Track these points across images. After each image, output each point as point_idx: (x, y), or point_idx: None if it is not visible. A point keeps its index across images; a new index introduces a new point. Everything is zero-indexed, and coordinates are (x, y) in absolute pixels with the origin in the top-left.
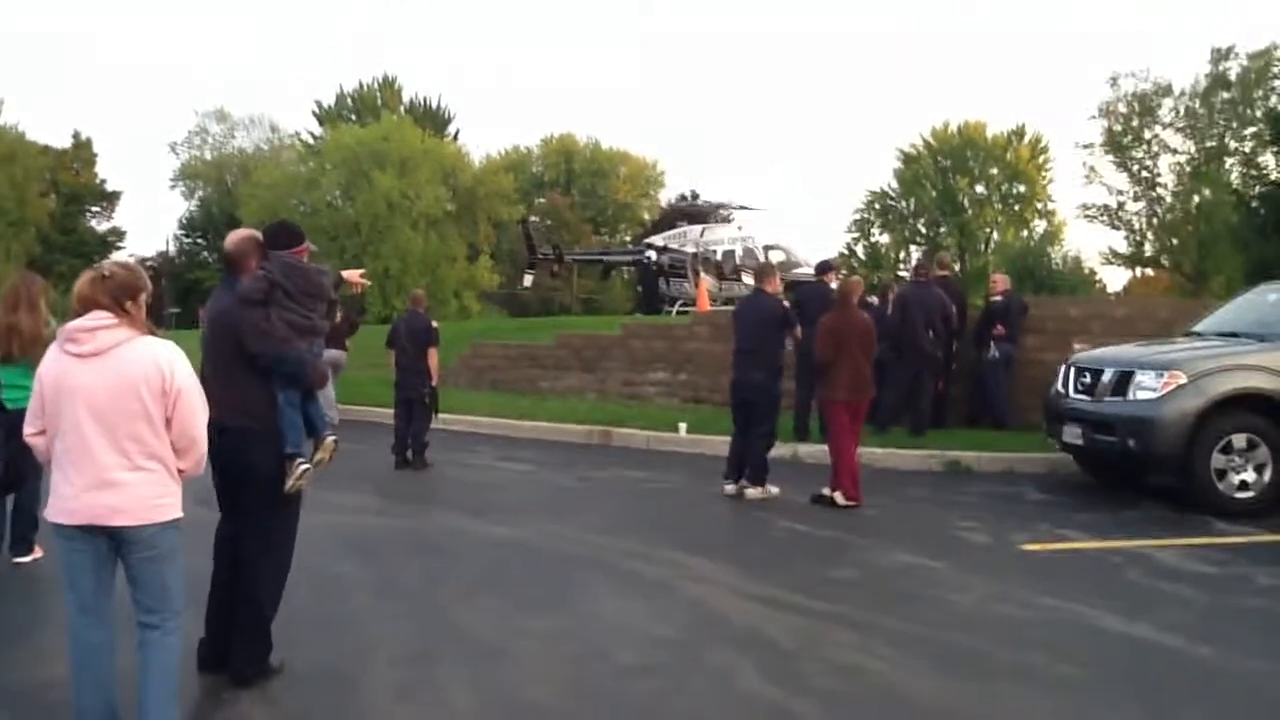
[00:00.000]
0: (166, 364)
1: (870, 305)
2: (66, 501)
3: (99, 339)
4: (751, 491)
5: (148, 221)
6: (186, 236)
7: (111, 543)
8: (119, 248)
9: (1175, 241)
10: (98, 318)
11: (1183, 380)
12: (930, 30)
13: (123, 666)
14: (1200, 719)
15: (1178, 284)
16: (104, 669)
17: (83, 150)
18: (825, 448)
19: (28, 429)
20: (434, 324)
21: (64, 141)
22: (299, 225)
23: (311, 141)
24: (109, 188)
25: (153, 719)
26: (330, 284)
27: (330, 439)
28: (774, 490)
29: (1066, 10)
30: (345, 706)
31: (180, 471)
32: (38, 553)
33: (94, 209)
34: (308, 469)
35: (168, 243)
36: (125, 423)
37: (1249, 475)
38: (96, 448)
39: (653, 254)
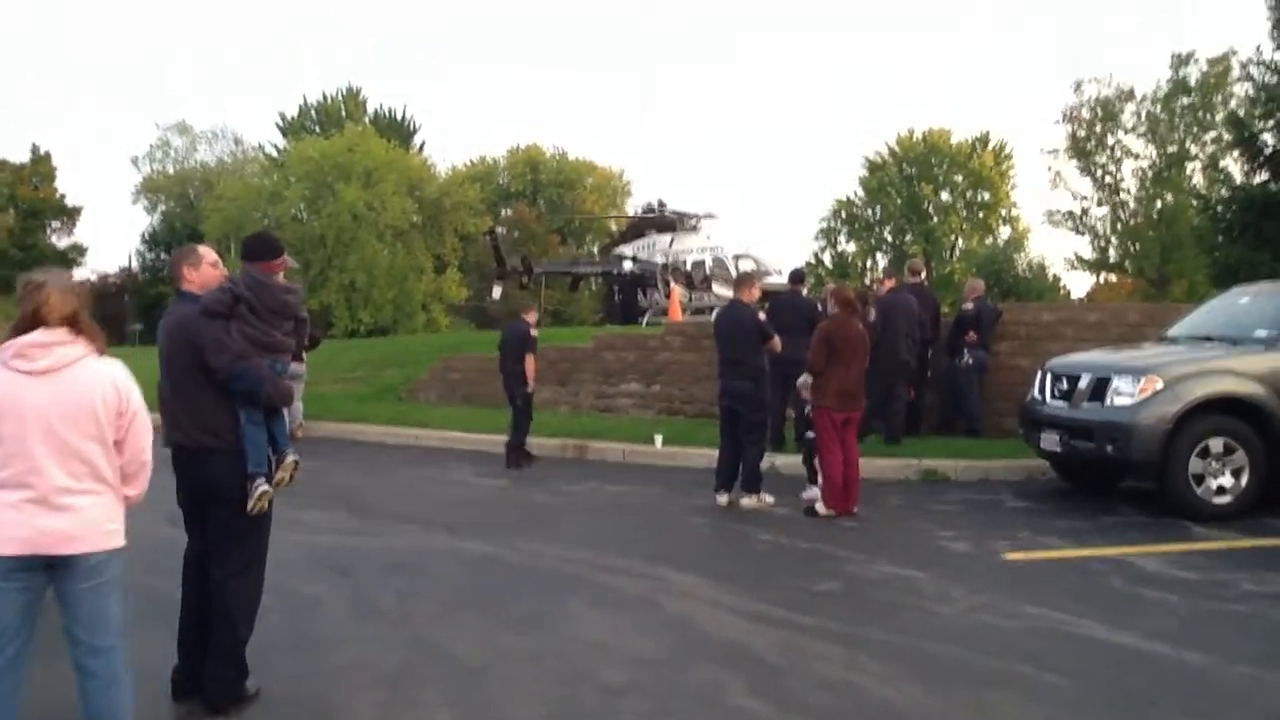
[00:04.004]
0: (123, 386)
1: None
2: (11, 529)
3: (55, 355)
4: (746, 501)
5: (109, 236)
6: (149, 251)
7: (47, 576)
8: (80, 263)
9: (1138, 246)
10: (52, 333)
11: (1159, 385)
12: (895, 38)
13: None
14: None
15: (1141, 288)
16: (7, 713)
17: (41, 165)
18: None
19: None
20: (532, 332)
21: (22, 156)
22: (277, 239)
23: (275, 154)
24: (69, 203)
25: None
26: (298, 302)
27: (291, 458)
28: (769, 499)
29: (1030, 17)
30: None
31: (127, 498)
32: None
33: (54, 224)
34: (266, 490)
35: (130, 258)
36: (78, 444)
37: (1227, 480)
38: (46, 469)
39: (629, 264)
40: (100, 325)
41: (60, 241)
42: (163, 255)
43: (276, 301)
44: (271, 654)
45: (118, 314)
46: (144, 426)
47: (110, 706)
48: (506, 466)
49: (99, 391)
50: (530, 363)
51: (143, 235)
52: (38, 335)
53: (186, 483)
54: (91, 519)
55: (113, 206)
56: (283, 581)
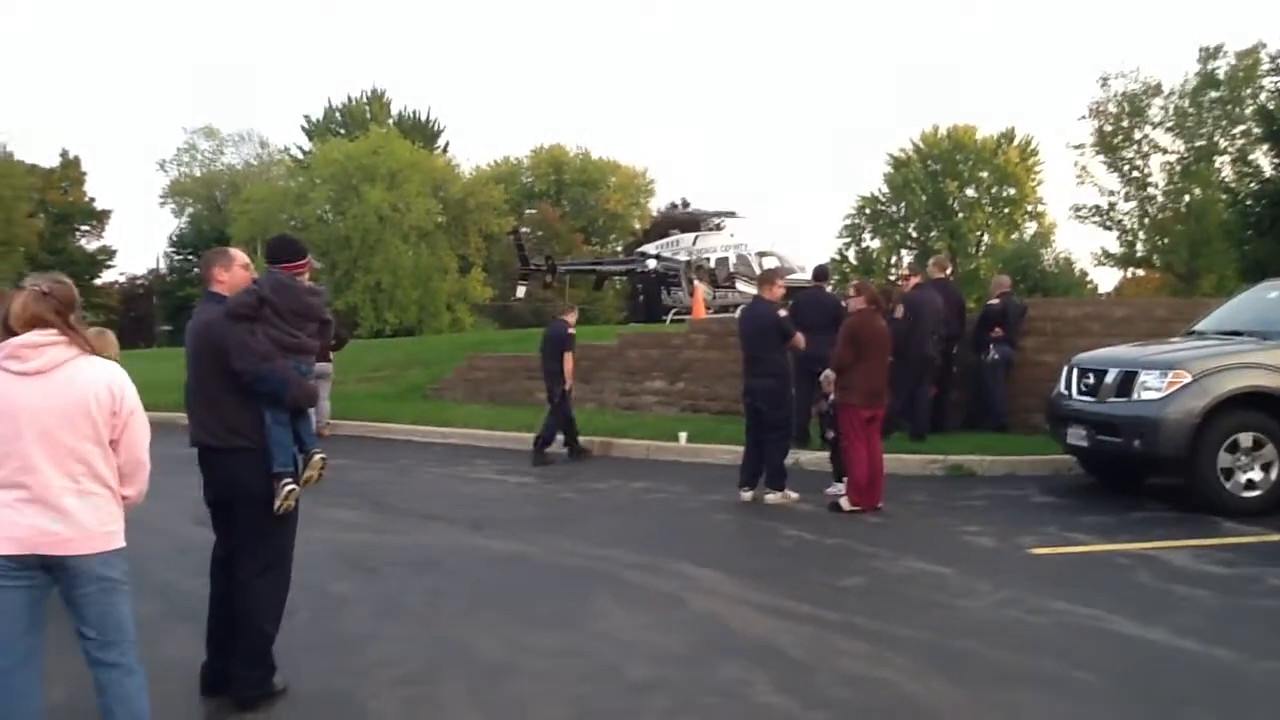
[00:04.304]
0: (117, 385)
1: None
2: (7, 529)
3: (47, 356)
4: (771, 497)
5: (138, 239)
6: (177, 254)
7: (48, 577)
8: (109, 266)
9: (1166, 241)
10: (45, 334)
11: (1187, 380)
12: (919, 34)
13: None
14: None
15: (1169, 284)
16: (28, 710)
17: (71, 169)
18: (826, 454)
19: None
20: (570, 331)
21: (52, 160)
22: (300, 241)
23: (301, 156)
24: (98, 206)
25: None
26: (322, 304)
27: (318, 456)
28: (794, 495)
29: (1055, 12)
30: None
31: (125, 498)
32: None
33: (83, 228)
34: (294, 489)
35: (158, 260)
36: (73, 444)
37: (1256, 474)
38: (43, 470)
39: (653, 263)
40: (130, 327)
41: (90, 245)
42: (190, 258)
43: (300, 304)
44: (298, 652)
45: (146, 316)
46: (139, 426)
47: (126, 694)
48: (532, 464)
49: (92, 391)
50: (568, 361)
51: (170, 238)
52: (31, 336)
53: (212, 482)
54: (88, 520)
55: (141, 210)
56: (310, 580)
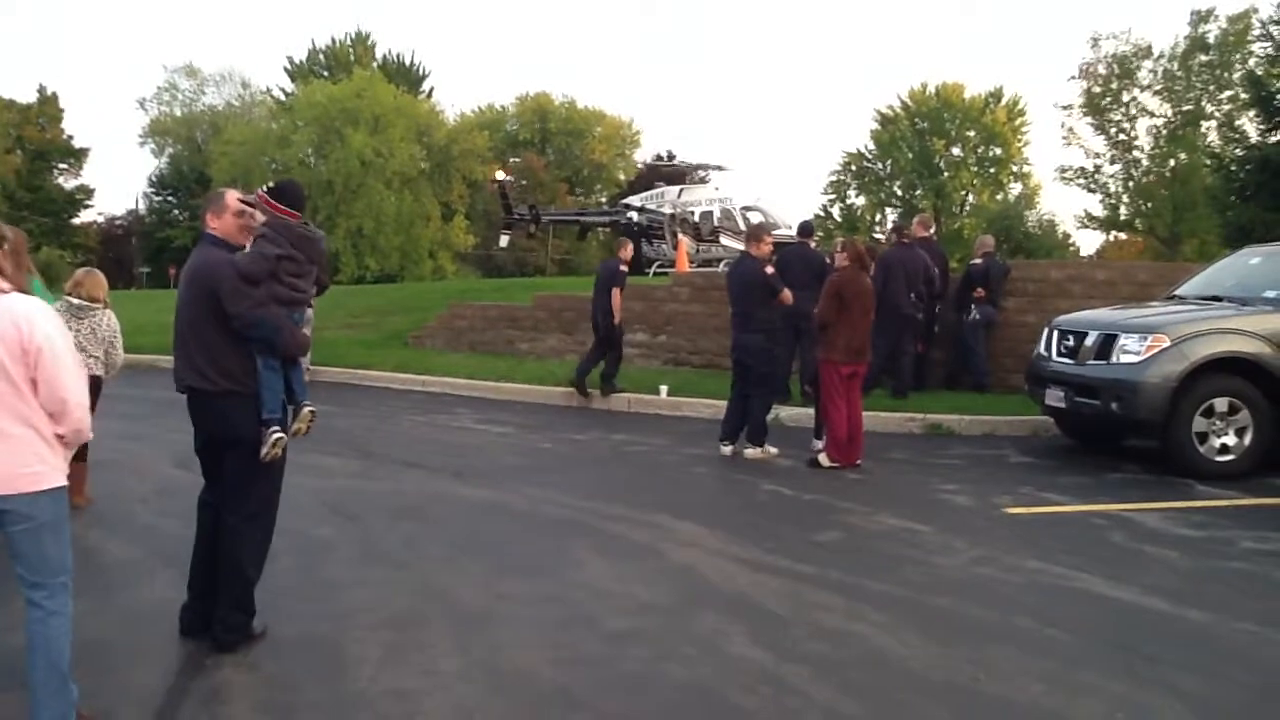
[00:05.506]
0: (25, 321)
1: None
2: None
3: None
4: (750, 452)
5: (116, 179)
6: (156, 195)
7: None
8: (87, 205)
9: (1150, 205)
10: None
11: (1166, 344)
12: None
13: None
14: (1189, 682)
15: (1151, 247)
16: None
17: (49, 106)
18: (807, 410)
19: None
20: (621, 268)
21: (29, 96)
22: (302, 188)
23: (283, 98)
24: (76, 144)
25: (44, 710)
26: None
27: (307, 409)
28: (773, 451)
29: None
30: (329, 672)
31: (60, 438)
32: None
33: (61, 166)
34: (281, 437)
35: (137, 201)
36: None
37: (1230, 439)
38: None
39: (634, 214)
40: (109, 268)
41: (68, 183)
42: (169, 199)
43: (318, 252)
44: (280, 597)
45: (125, 257)
46: (55, 363)
47: (47, 636)
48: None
49: None
50: (616, 296)
51: (150, 178)
52: None
53: (203, 427)
54: (6, 462)
55: (120, 149)
56: (292, 525)
